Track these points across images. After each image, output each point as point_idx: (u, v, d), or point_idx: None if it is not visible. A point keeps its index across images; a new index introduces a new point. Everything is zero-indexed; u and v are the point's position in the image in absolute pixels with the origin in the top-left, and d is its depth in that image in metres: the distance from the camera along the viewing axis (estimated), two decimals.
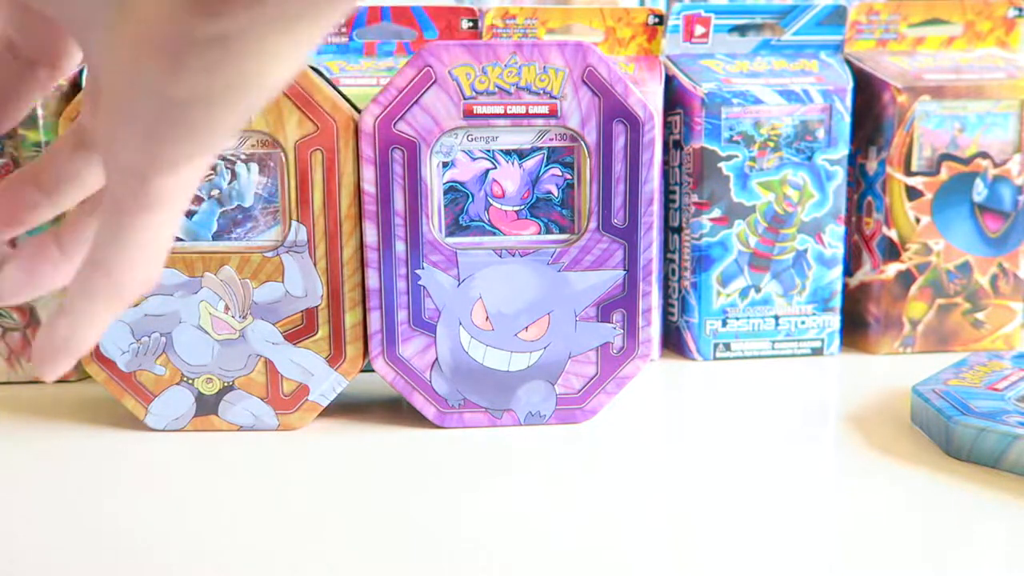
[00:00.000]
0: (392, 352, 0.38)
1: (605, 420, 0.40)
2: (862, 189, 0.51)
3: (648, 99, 0.44)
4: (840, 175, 0.49)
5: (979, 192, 0.50)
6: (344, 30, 0.49)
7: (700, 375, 0.48)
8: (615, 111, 0.37)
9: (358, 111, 0.38)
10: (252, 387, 0.38)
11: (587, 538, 0.29)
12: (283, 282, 0.38)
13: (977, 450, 0.34)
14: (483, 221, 0.38)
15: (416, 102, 0.36)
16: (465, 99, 0.36)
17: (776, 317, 0.50)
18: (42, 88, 0.21)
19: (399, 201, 0.37)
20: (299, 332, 0.38)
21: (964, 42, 0.53)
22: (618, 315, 0.38)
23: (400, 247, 0.37)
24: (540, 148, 0.38)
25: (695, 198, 0.49)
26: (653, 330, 0.47)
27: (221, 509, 0.31)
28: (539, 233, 0.39)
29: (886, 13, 0.52)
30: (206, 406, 0.39)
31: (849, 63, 0.51)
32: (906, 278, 0.50)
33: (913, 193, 0.49)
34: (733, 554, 0.28)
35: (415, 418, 0.40)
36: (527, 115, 0.37)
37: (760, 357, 0.51)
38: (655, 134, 0.37)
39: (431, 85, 0.36)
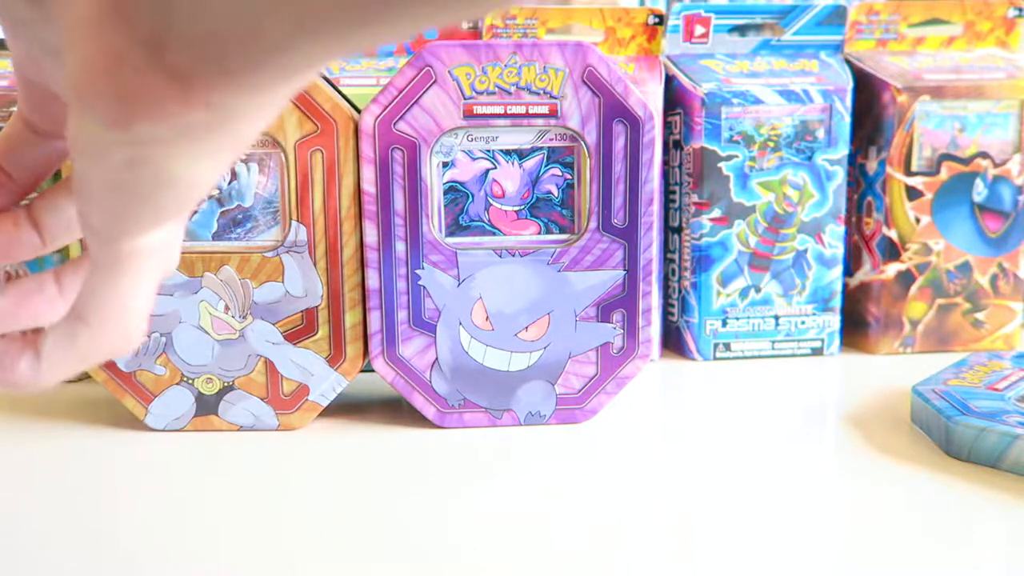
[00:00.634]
0: (392, 352, 0.38)
1: (605, 420, 0.40)
2: (862, 189, 0.51)
3: (648, 99, 0.44)
4: (840, 175, 0.49)
5: (979, 192, 0.50)
6: None
7: (700, 375, 0.48)
8: (615, 111, 0.37)
9: (358, 111, 0.38)
10: (252, 387, 0.38)
11: (587, 538, 0.29)
12: (283, 282, 0.38)
13: (977, 450, 0.34)
14: (483, 221, 0.38)
15: (416, 102, 0.36)
16: (465, 99, 0.36)
17: (776, 317, 0.50)
18: (62, 157, 0.23)
19: (399, 201, 0.37)
20: (299, 332, 0.38)
21: (964, 42, 0.53)
22: (618, 315, 0.38)
23: (400, 247, 0.37)
24: (540, 148, 0.38)
25: (695, 198, 0.49)
26: (653, 330, 0.47)
27: (221, 509, 0.31)
28: (539, 233, 0.39)
29: (886, 13, 0.52)
30: (206, 406, 0.39)
31: (849, 63, 0.51)
32: (906, 278, 0.50)
33: (913, 193, 0.49)
34: (733, 554, 0.28)
35: (415, 418, 0.40)
36: (527, 115, 0.37)
37: (760, 357, 0.51)
38: (655, 134, 0.37)
39: (431, 85, 0.36)
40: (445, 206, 0.38)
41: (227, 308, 0.38)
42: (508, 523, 0.30)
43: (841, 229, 0.50)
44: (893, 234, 0.50)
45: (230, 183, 0.37)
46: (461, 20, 0.15)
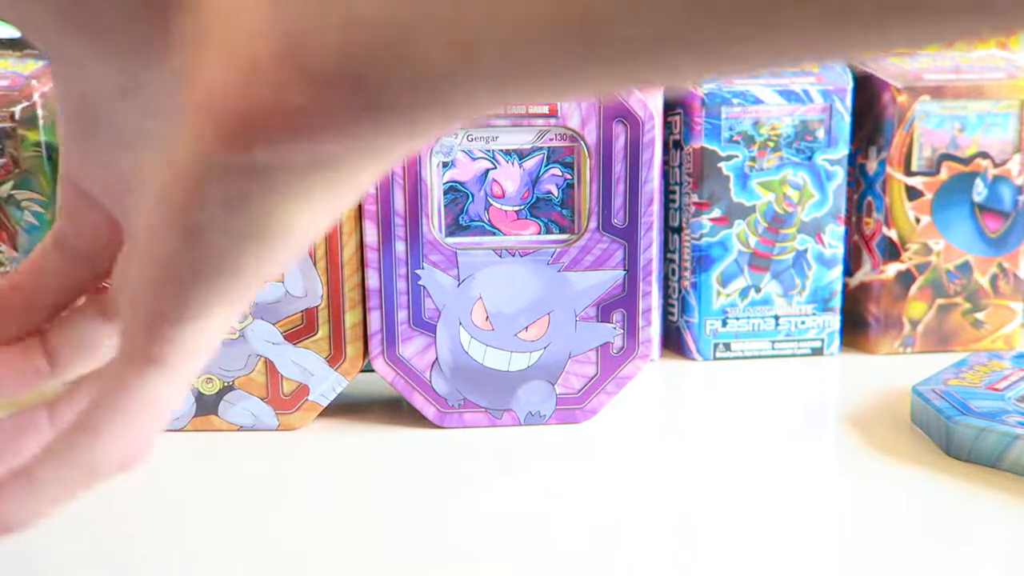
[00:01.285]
0: (392, 352, 0.38)
1: (605, 420, 0.40)
2: (862, 189, 0.51)
3: (648, 99, 0.44)
4: (840, 175, 0.49)
5: (979, 192, 0.50)
6: None
7: (700, 375, 0.48)
8: (615, 111, 0.37)
9: None
10: (252, 387, 0.38)
11: (587, 538, 0.29)
12: (283, 282, 0.38)
13: (977, 450, 0.34)
14: (483, 221, 0.38)
15: None
16: None
17: (776, 317, 0.50)
18: (80, 288, 0.22)
19: (399, 201, 0.37)
20: (299, 332, 0.38)
21: (964, 42, 0.53)
22: (618, 315, 0.38)
23: (400, 247, 0.37)
24: (540, 148, 0.38)
25: (695, 198, 0.49)
26: (653, 330, 0.47)
27: (221, 509, 0.31)
28: (539, 233, 0.39)
29: None
30: (206, 406, 0.39)
31: (849, 63, 0.51)
32: (906, 278, 0.50)
33: (913, 193, 0.49)
34: (733, 554, 0.28)
35: (415, 418, 0.40)
36: (527, 115, 0.37)
37: (760, 357, 0.51)
38: (655, 134, 0.37)
39: None
40: (445, 206, 0.38)
41: None
42: (508, 523, 0.30)
43: (841, 229, 0.50)
44: (893, 234, 0.50)
45: None
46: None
